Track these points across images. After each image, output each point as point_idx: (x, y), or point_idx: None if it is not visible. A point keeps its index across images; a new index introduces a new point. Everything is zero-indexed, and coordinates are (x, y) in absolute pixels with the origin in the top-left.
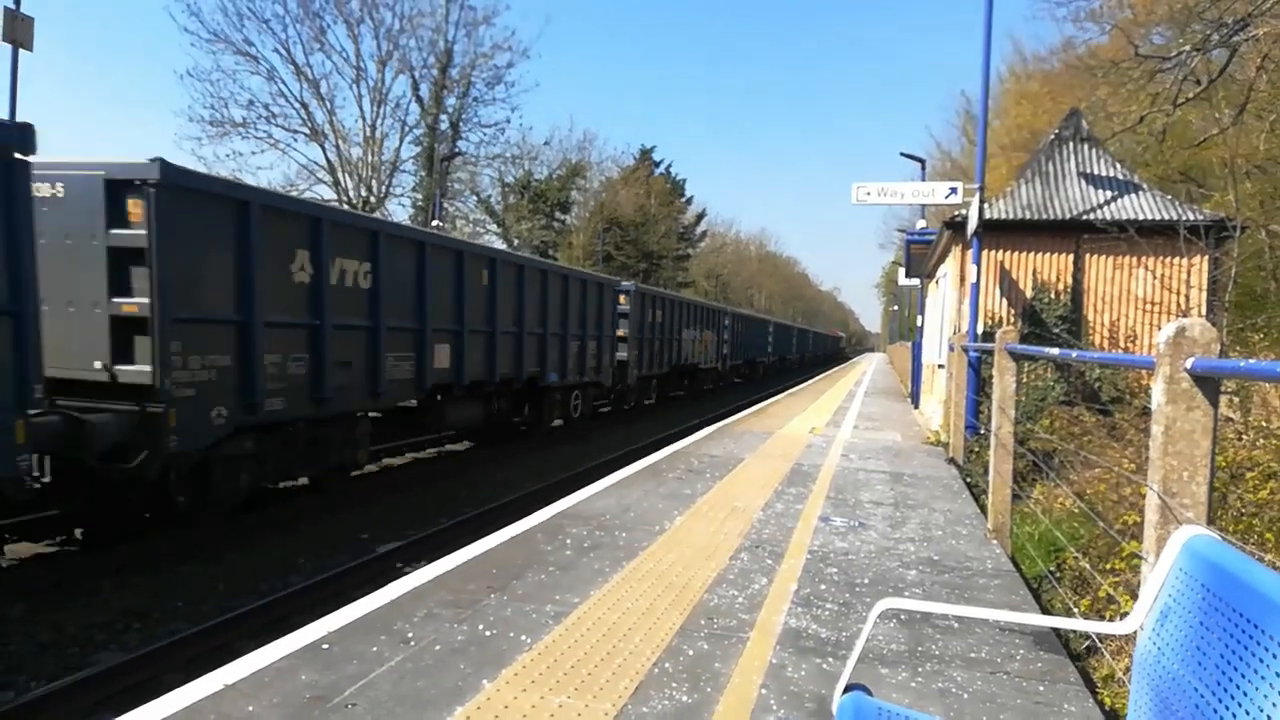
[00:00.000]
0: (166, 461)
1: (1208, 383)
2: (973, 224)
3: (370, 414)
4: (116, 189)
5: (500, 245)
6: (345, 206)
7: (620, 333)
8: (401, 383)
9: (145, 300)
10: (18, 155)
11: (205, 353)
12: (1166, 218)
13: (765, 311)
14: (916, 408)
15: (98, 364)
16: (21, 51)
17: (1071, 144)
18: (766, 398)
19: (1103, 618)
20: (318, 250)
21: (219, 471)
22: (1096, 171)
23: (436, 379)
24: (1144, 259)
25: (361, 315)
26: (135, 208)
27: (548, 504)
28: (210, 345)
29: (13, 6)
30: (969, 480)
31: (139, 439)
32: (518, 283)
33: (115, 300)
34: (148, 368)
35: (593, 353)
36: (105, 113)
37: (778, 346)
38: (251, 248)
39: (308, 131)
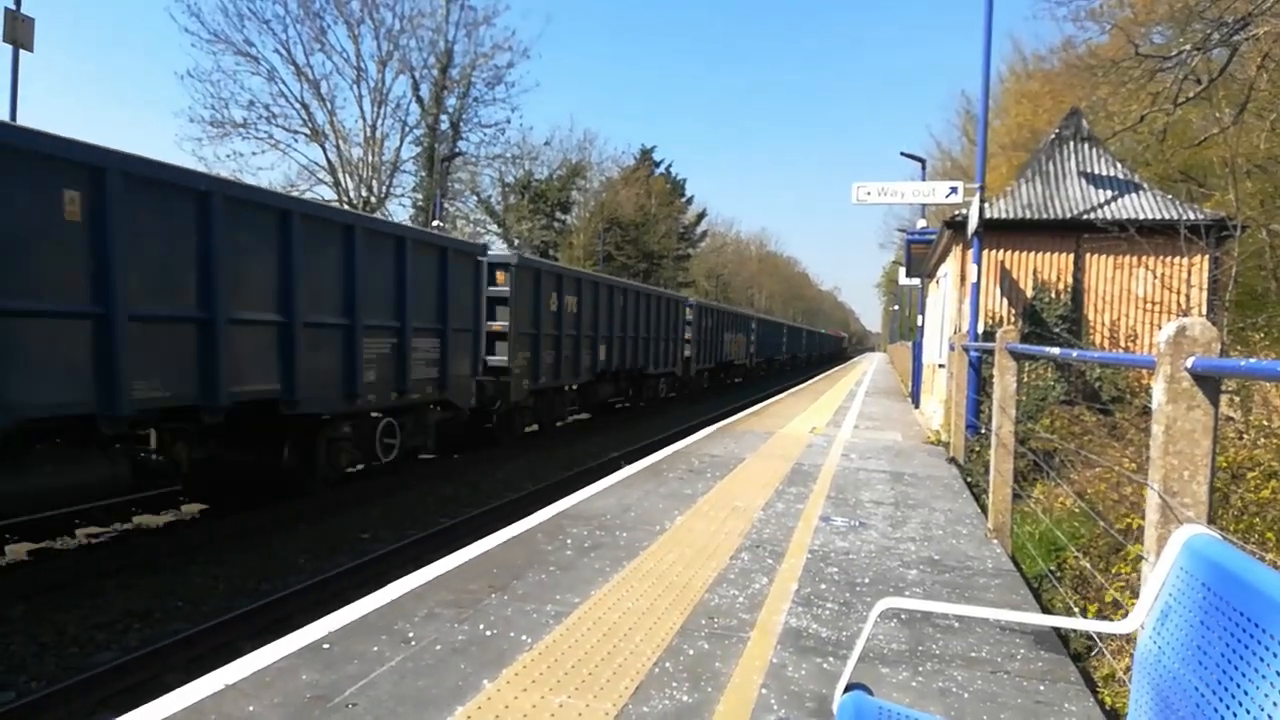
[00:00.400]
0: (507, 409)
1: (1208, 382)
2: (973, 223)
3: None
4: (492, 268)
5: (500, 245)
6: (345, 207)
7: (686, 336)
8: (587, 368)
9: (505, 323)
10: (479, 258)
11: (523, 351)
12: (1167, 217)
13: (766, 312)
14: (917, 407)
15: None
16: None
17: (1072, 143)
18: (780, 391)
19: (1103, 617)
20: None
21: (518, 418)
22: (1097, 171)
23: (602, 367)
24: (1144, 258)
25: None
26: (501, 277)
27: (548, 504)
28: (524, 347)
29: (13, 7)
30: (969, 480)
31: (498, 395)
32: (636, 302)
33: (488, 323)
34: (504, 358)
35: (671, 350)
36: (105, 112)
37: (790, 346)
38: (540, 293)
39: (308, 132)
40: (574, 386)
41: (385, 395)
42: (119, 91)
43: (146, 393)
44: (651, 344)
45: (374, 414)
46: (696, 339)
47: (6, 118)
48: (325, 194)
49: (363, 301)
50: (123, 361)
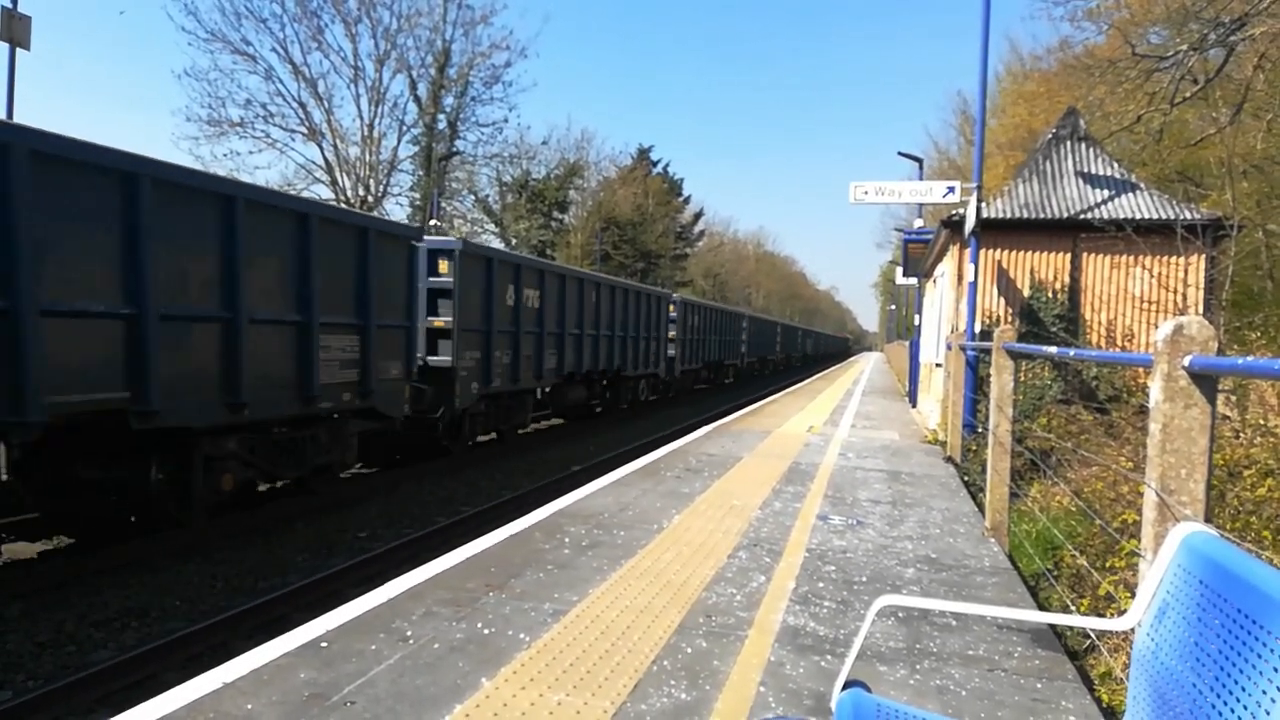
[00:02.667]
0: (451, 416)
1: (1205, 380)
2: (970, 223)
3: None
4: (434, 255)
5: (498, 244)
6: (344, 206)
7: (671, 334)
8: (552, 370)
9: (449, 318)
10: (413, 242)
11: (471, 349)
12: (1164, 217)
13: (764, 311)
14: (914, 406)
15: (418, 356)
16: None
17: (1069, 143)
18: (775, 392)
19: (1101, 615)
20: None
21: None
22: (1094, 171)
23: (571, 368)
24: (1141, 258)
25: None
26: (444, 266)
27: (545, 503)
28: (473, 345)
29: (10, 5)
30: (966, 479)
31: (441, 400)
32: (611, 298)
33: (429, 319)
34: (448, 358)
35: (652, 350)
36: (109, 111)
37: (785, 345)
38: (492, 285)
39: (305, 131)
40: (540, 390)
41: (283, 404)
42: (118, 89)
43: None
44: (630, 343)
45: (640, 378)
46: (681, 338)
47: (3, 116)
48: (322, 193)
49: (250, 290)
50: None
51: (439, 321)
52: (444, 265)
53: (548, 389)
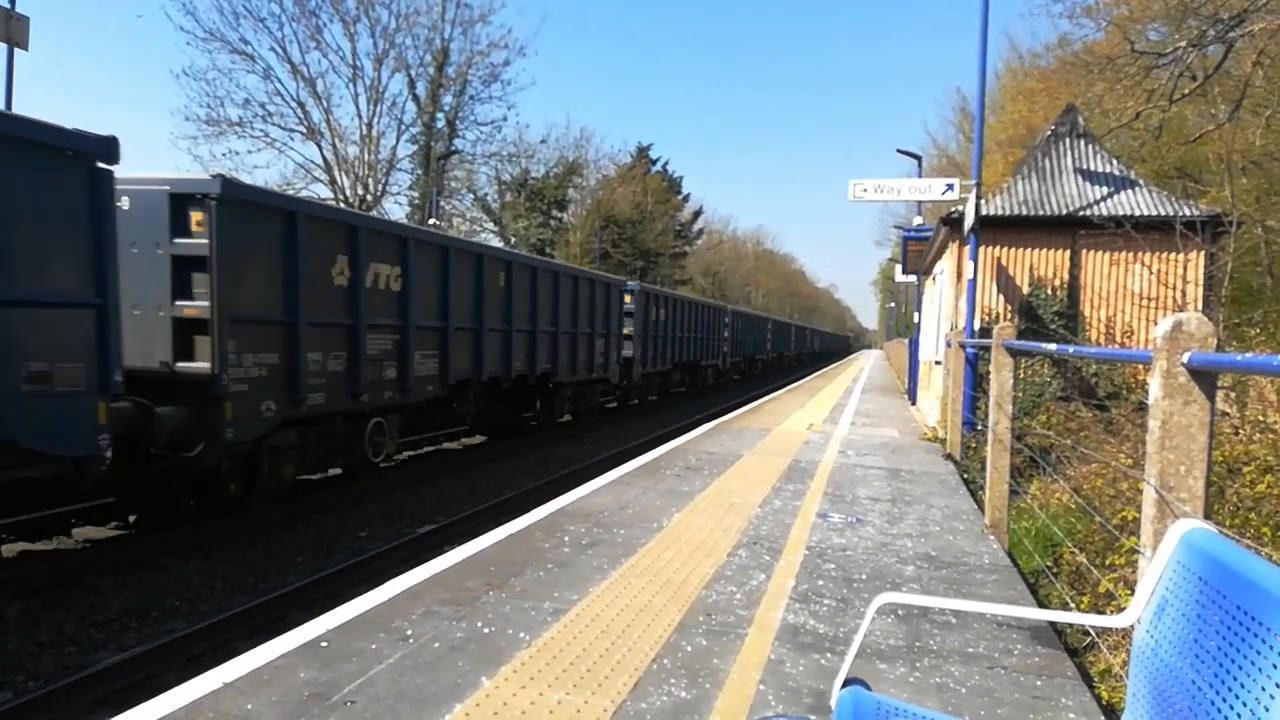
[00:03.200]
0: (222, 451)
1: (1204, 377)
2: (969, 220)
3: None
4: (180, 202)
5: (497, 243)
6: (343, 205)
7: (626, 331)
8: (465, 369)
9: (205, 304)
10: (101, 164)
11: (256, 351)
12: (1163, 213)
13: (763, 309)
14: (914, 404)
15: (160, 361)
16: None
17: (1068, 140)
18: (776, 389)
19: (1100, 612)
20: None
21: (266, 462)
22: (1093, 167)
23: (460, 376)
24: (1140, 254)
25: (394, 316)
26: (197, 219)
27: (545, 501)
28: (260, 344)
29: (7, 5)
30: (966, 476)
31: (198, 430)
32: (533, 283)
33: (178, 304)
34: (206, 364)
35: (601, 351)
36: (112, 112)
37: (777, 344)
38: (298, 253)
39: (304, 130)
40: (424, 402)
41: (586, 372)
42: (120, 89)
43: None
44: (564, 341)
45: (582, 384)
46: (642, 334)
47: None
48: (321, 192)
49: (580, 319)
50: None
51: (190, 308)
52: (197, 220)
53: (418, 405)
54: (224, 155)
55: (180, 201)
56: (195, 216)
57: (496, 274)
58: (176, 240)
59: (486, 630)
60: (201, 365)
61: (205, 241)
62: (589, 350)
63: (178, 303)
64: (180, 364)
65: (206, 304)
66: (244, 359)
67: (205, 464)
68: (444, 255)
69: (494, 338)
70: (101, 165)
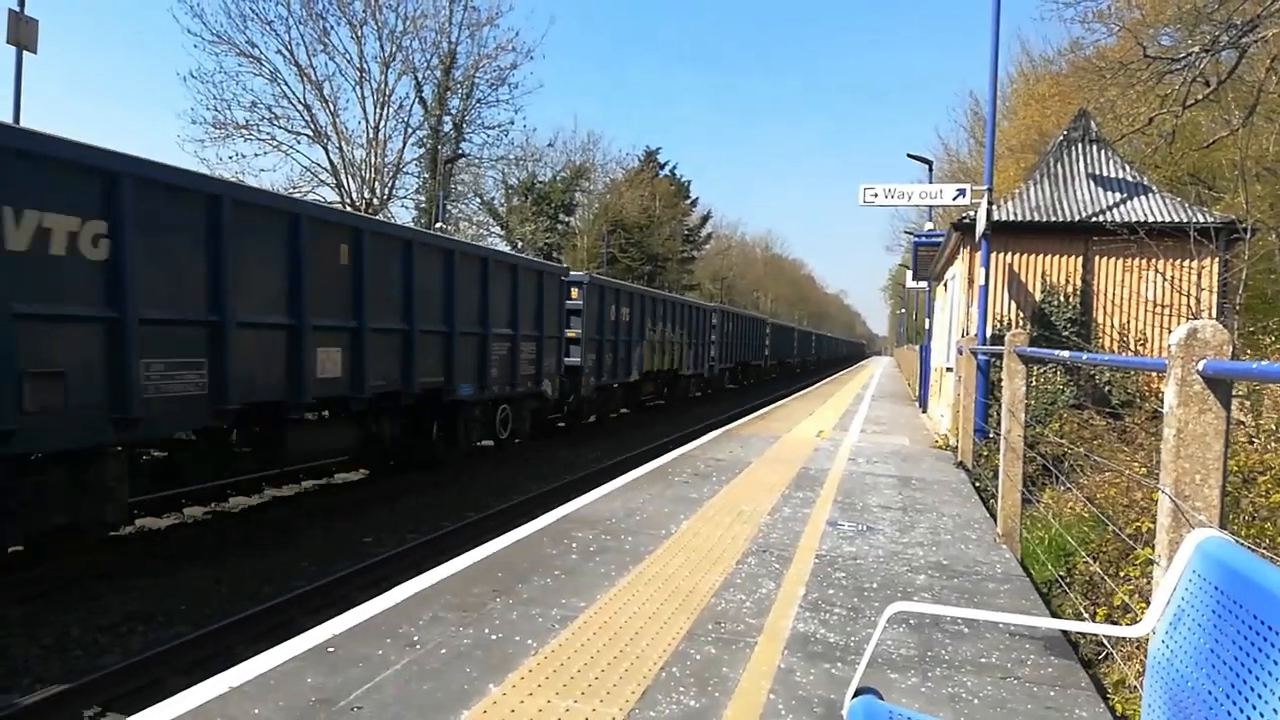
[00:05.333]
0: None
1: (1220, 385)
2: (981, 226)
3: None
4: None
5: (504, 248)
6: (349, 209)
7: (571, 333)
8: (315, 383)
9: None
10: (562, 279)
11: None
12: (1176, 220)
13: (771, 314)
14: (924, 411)
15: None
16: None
17: (1080, 145)
18: (786, 396)
19: (1114, 622)
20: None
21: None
22: (1105, 173)
23: (261, 394)
24: (1154, 261)
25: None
26: (575, 292)
27: (552, 508)
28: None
29: (16, 9)
30: (978, 484)
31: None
32: (428, 266)
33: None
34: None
35: (529, 358)
36: (114, 113)
37: (778, 348)
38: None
39: (311, 133)
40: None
41: (506, 387)
42: (126, 90)
43: None
44: (472, 345)
45: (498, 402)
46: (595, 338)
47: (9, 119)
48: (328, 195)
49: (493, 317)
50: None
51: (572, 333)
52: (575, 293)
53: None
54: (230, 158)
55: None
56: (574, 291)
57: (378, 250)
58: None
59: (494, 637)
60: (431, 379)
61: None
62: (509, 358)
63: (565, 330)
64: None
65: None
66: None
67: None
68: (267, 217)
69: (372, 340)
70: (562, 278)
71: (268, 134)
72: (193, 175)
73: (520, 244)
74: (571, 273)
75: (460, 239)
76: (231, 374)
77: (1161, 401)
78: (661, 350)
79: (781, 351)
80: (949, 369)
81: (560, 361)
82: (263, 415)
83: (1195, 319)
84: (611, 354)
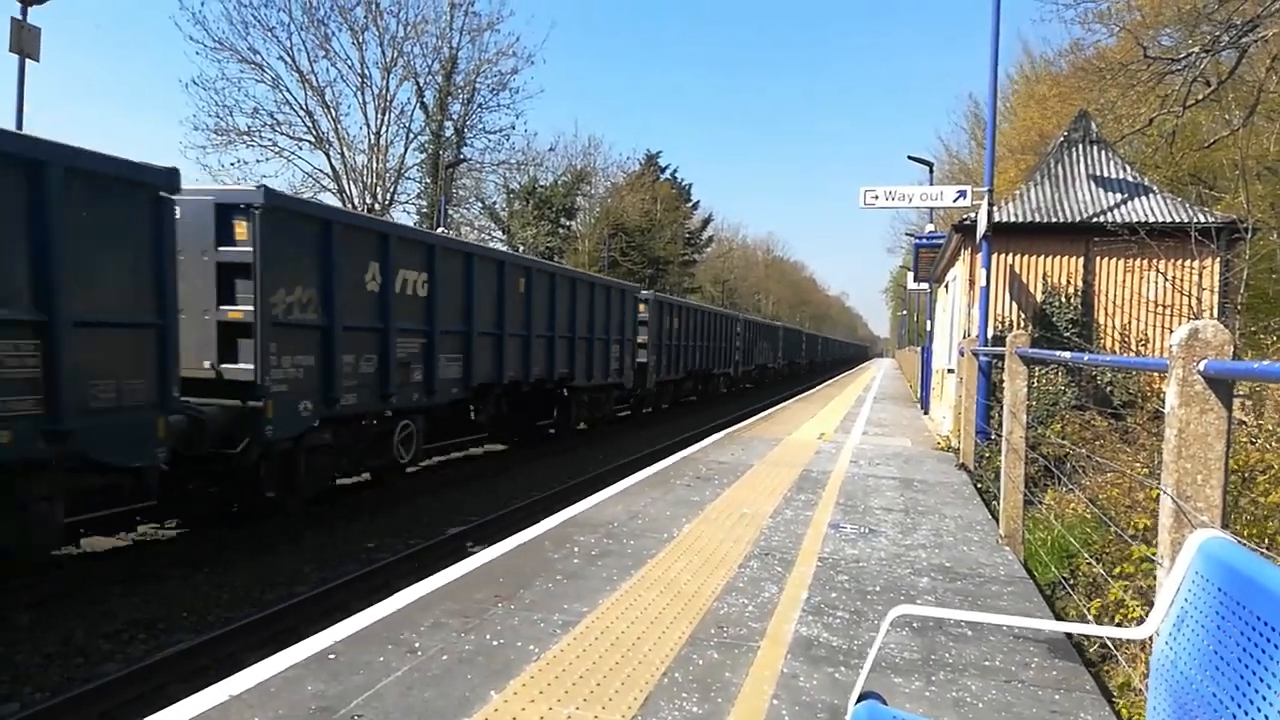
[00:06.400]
0: (262, 449)
1: (1221, 385)
2: (982, 227)
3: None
4: (225, 212)
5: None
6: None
7: (640, 339)
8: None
9: (249, 308)
10: (163, 194)
11: (295, 353)
12: (1177, 220)
13: (773, 317)
14: (926, 413)
15: (206, 364)
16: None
17: (1081, 146)
18: (788, 398)
19: (1118, 624)
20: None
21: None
22: (1106, 174)
23: (481, 378)
24: (1155, 261)
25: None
26: (241, 228)
27: (554, 512)
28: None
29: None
30: (980, 486)
31: (241, 429)
32: (549, 289)
33: (222, 308)
34: (250, 366)
35: (616, 356)
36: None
37: (786, 350)
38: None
39: (312, 139)
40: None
41: (603, 377)
42: (138, 94)
43: None
44: (581, 346)
45: (599, 389)
46: (656, 343)
47: (13, 126)
48: (329, 201)
49: (596, 325)
50: None
51: (235, 312)
52: (241, 229)
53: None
54: (232, 164)
55: (224, 212)
56: (239, 227)
57: (517, 279)
58: (221, 248)
59: (495, 643)
60: (245, 366)
61: (249, 248)
62: (605, 356)
63: (222, 307)
64: (225, 365)
65: (250, 308)
66: (283, 361)
67: (247, 461)
68: (468, 262)
69: (514, 342)
70: (162, 193)
71: (270, 140)
72: (464, 243)
73: (522, 248)
74: (640, 291)
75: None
76: (474, 366)
77: (1163, 402)
78: (700, 353)
79: (791, 354)
80: (950, 370)
81: (634, 360)
82: (483, 392)
83: (1196, 319)
84: (668, 356)
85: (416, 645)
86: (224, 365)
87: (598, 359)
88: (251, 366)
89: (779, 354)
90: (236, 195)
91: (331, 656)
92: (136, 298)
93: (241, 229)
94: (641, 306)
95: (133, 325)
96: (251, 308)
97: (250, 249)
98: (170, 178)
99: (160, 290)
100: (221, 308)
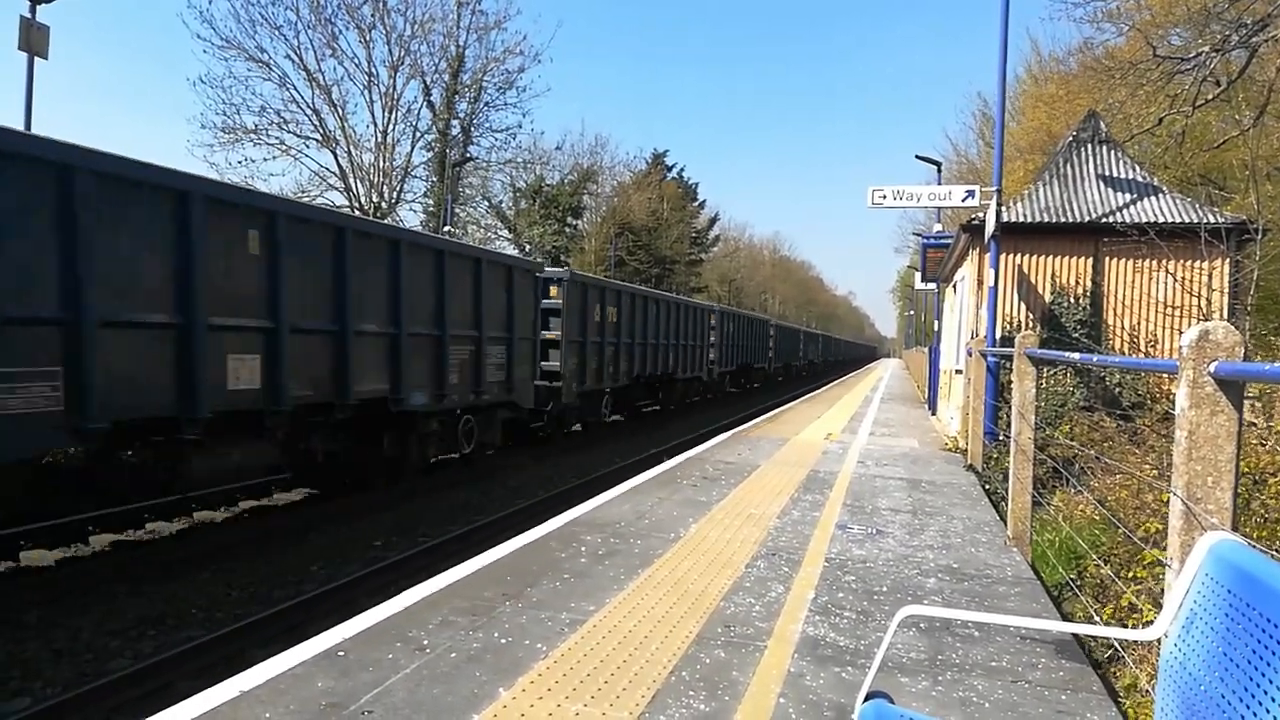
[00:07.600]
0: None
1: (1232, 387)
2: (990, 227)
3: None
4: (545, 282)
5: (512, 251)
6: (357, 213)
7: (549, 335)
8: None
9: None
10: (537, 274)
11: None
12: (1187, 220)
13: (779, 316)
14: (934, 414)
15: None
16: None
17: (1089, 146)
18: (794, 398)
19: (1125, 625)
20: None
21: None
22: (1115, 174)
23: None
24: (1164, 262)
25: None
26: (554, 290)
27: (561, 511)
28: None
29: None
30: (988, 487)
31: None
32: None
33: (542, 332)
34: (557, 365)
35: (496, 363)
36: (123, 116)
37: (801, 350)
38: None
39: (319, 138)
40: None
41: (469, 395)
42: (142, 94)
43: None
44: (419, 349)
45: (460, 413)
46: (578, 340)
47: (21, 125)
48: (336, 199)
49: (451, 317)
50: None
51: (550, 334)
52: (554, 290)
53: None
54: (239, 163)
55: (546, 282)
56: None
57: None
58: (544, 300)
59: (503, 641)
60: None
61: (560, 302)
62: (475, 363)
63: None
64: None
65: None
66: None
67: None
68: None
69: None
70: (536, 274)
71: (276, 138)
72: (617, 284)
73: (529, 247)
74: (548, 268)
75: (468, 242)
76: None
77: (1173, 403)
78: (655, 353)
79: (787, 354)
80: (958, 371)
81: (536, 366)
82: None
83: (1206, 320)
84: (597, 357)
85: (425, 643)
86: (542, 363)
87: (456, 368)
88: (558, 365)
89: (771, 354)
90: (554, 273)
91: (341, 653)
92: (526, 327)
93: (555, 291)
94: (552, 289)
95: (521, 339)
96: (560, 333)
97: (560, 302)
98: (541, 268)
99: (530, 324)
100: (542, 332)
